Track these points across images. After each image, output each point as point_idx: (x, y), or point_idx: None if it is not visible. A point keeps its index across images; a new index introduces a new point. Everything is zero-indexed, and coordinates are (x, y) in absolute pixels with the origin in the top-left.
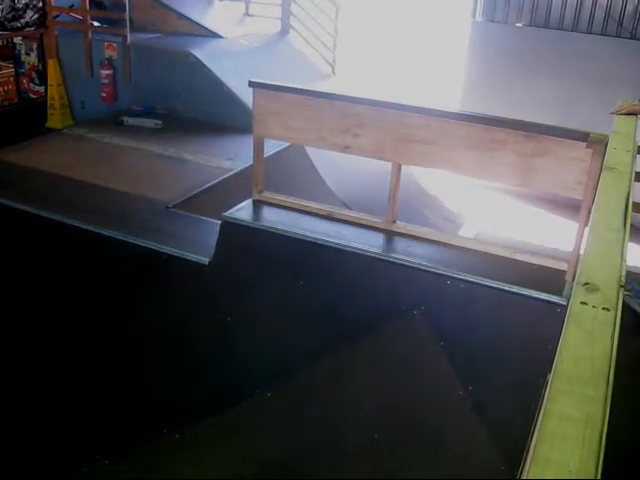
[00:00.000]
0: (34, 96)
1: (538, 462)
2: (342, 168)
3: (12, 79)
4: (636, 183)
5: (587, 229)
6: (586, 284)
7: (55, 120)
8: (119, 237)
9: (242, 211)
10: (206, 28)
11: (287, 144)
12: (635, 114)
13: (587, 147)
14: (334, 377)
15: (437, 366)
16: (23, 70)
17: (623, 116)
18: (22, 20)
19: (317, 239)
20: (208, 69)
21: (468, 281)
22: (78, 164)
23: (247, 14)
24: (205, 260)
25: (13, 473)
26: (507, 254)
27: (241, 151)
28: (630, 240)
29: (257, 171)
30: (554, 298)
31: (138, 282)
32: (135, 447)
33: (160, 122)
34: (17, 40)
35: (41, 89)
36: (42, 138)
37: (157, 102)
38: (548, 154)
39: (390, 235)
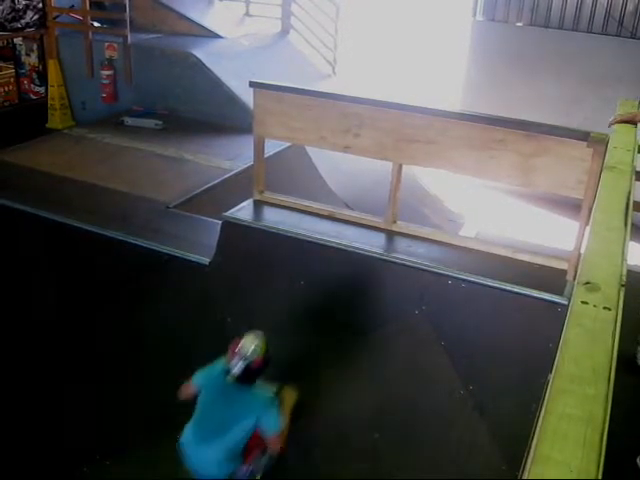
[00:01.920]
0: (34, 97)
1: (539, 461)
2: (343, 168)
3: (12, 80)
4: (637, 182)
5: (588, 228)
6: (587, 283)
7: (55, 120)
8: (120, 237)
9: (243, 211)
10: (206, 28)
11: (288, 144)
12: (630, 121)
13: (588, 146)
14: (335, 377)
15: (438, 366)
16: (23, 71)
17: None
18: (22, 21)
19: (318, 239)
20: (208, 69)
21: (469, 281)
22: (79, 164)
23: (247, 14)
24: (206, 260)
25: (14, 473)
26: (508, 254)
27: (241, 151)
28: (631, 239)
29: (258, 171)
30: (555, 297)
31: (139, 282)
32: (136, 447)
33: (160, 122)
34: (17, 41)
35: (41, 90)
36: (43, 138)
37: (157, 102)
38: (549, 154)
39: (391, 235)
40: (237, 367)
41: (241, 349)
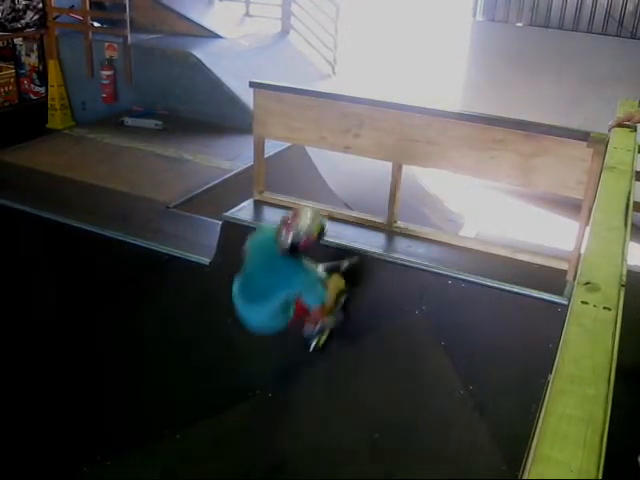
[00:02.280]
0: (35, 97)
1: (539, 462)
2: (343, 168)
3: (12, 80)
4: (637, 182)
5: (588, 228)
6: (587, 283)
7: (56, 121)
8: (120, 238)
9: (243, 211)
10: (206, 28)
11: (288, 144)
12: (628, 121)
13: (588, 146)
14: (334, 377)
15: (438, 366)
16: (24, 71)
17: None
18: (22, 21)
19: None
20: (208, 69)
21: (469, 281)
22: (79, 165)
23: (247, 14)
24: (206, 260)
25: (14, 473)
26: (508, 254)
27: (241, 151)
28: (631, 239)
29: (258, 171)
30: (555, 298)
31: (139, 282)
32: (136, 447)
33: (160, 122)
34: (17, 41)
35: (42, 90)
36: (43, 139)
37: (157, 102)
38: (549, 154)
39: (391, 235)
40: (286, 242)
41: (294, 225)
